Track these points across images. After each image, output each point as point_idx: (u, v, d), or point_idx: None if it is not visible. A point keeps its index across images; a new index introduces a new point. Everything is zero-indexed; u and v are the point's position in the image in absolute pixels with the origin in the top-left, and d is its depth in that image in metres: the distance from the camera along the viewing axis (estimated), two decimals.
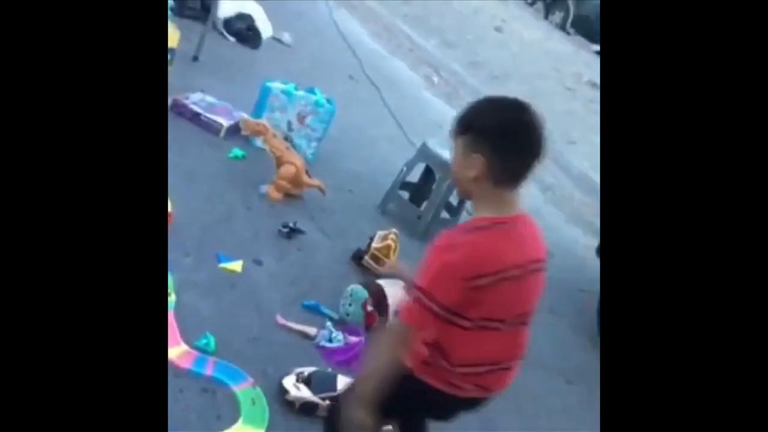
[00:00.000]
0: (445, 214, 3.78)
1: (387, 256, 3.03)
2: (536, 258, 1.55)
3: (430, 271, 1.45)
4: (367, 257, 3.00)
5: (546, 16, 14.26)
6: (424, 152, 3.68)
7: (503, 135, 1.48)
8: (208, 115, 3.48)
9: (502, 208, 1.50)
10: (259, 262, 2.69)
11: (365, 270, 3.00)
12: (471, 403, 1.65)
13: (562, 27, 13.46)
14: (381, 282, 2.68)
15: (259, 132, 3.17)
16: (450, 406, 1.66)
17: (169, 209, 2.62)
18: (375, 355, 1.61)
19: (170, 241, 2.51)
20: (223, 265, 2.55)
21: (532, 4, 16.90)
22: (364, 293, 2.59)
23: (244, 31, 5.04)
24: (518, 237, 1.52)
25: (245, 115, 3.35)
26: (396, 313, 1.64)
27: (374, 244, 3.03)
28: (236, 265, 2.58)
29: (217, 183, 3.09)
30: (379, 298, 2.62)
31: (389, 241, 3.05)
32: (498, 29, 11.01)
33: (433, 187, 3.67)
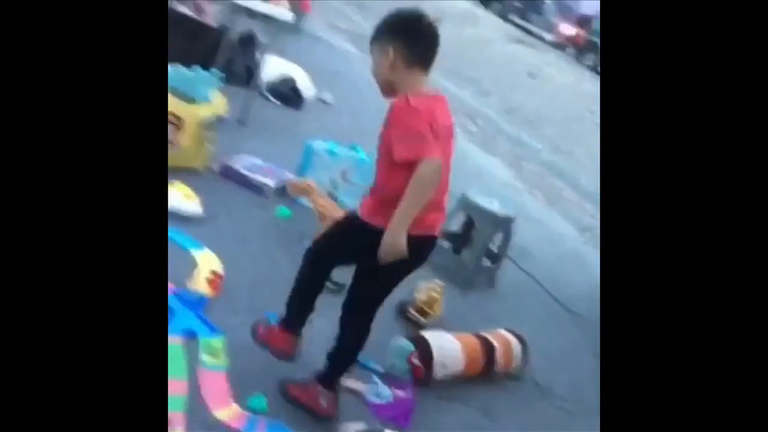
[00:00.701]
0: (486, 262, 3.74)
1: (432, 307, 3.00)
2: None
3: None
4: (412, 310, 2.97)
5: (578, 59, 14.25)
6: (463, 202, 3.67)
7: (406, 29, 1.93)
8: (255, 176, 3.54)
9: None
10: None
11: (410, 322, 2.97)
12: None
13: (594, 69, 13.42)
14: (426, 334, 2.65)
15: (305, 191, 3.20)
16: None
17: (220, 270, 2.66)
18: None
19: (220, 302, 2.55)
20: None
21: (564, 49, 16.94)
22: (409, 346, 2.56)
23: (287, 93, 5.15)
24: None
25: (291, 177, 3.40)
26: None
27: (419, 296, 3.00)
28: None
29: (265, 242, 3.12)
30: (424, 351, 2.58)
31: (433, 293, 3.02)
32: (531, 75, 11.04)
33: (474, 235, 3.64)
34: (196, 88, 3.28)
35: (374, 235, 1.91)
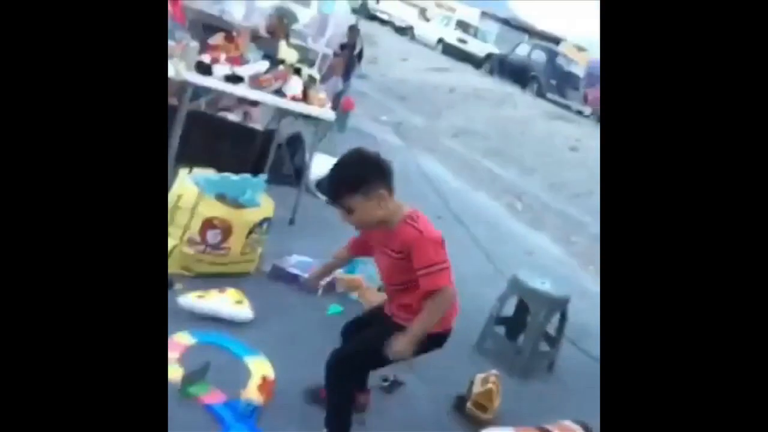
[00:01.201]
0: (544, 346, 3.56)
1: (490, 400, 2.83)
2: None
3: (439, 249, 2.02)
4: (469, 404, 2.81)
5: None
6: (515, 284, 3.53)
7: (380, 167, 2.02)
8: (305, 275, 3.49)
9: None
10: (362, 422, 2.55)
11: (470, 418, 2.80)
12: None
13: None
14: (485, 429, 2.48)
15: (354, 287, 3.13)
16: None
17: (271, 376, 2.57)
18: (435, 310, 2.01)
19: (273, 409, 2.45)
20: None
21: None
22: None
23: None
24: None
25: (340, 273, 3.34)
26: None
27: (475, 390, 2.85)
28: None
29: (317, 343, 3.01)
30: None
31: (490, 385, 2.85)
32: (573, 149, 10.94)
33: (528, 319, 3.48)
34: (244, 193, 3.30)
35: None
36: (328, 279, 3.45)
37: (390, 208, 2.03)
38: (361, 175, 1.99)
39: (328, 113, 4.29)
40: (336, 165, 2.06)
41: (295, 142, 5.30)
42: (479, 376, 2.92)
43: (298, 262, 3.61)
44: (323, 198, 5.17)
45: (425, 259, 1.97)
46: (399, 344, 1.98)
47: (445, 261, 2.02)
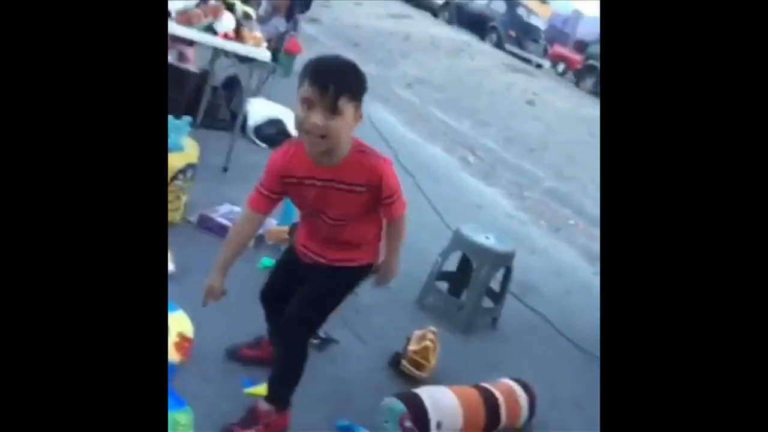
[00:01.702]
0: (488, 302, 3.48)
1: (426, 358, 2.73)
2: None
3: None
4: (405, 362, 2.71)
5: (577, 84, 14.09)
6: (458, 239, 3.42)
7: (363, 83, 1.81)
8: None
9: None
10: None
11: (405, 376, 2.70)
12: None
13: (594, 93, 13.24)
14: (419, 391, 2.38)
15: (284, 240, 2.97)
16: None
17: (189, 333, 2.41)
18: None
19: (191, 370, 2.30)
20: (248, 390, 2.30)
21: (563, 74, 16.85)
22: (400, 407, 2.29)
23: (274, 135, 4.96)
24: None
25: (271, 225, 3.17)
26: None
27: (411, 347, 2.75)
28: (262, 389, 2.32)
29: (244, 298, 2.85)
30: (417, 411, 2.31)
31: (427, 342, 2.76)
32: (530, 102, 10.86)
33: (472, 274, 3.38)
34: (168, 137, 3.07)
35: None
36: (259, 232, 3.28)
37: (352, 129, 1.84)
38: (364, 85, 1.81)
39: (263, 54, 4.05)
40: (343, 62, 1.82)
41: (232, 86, 5.04)
42: (416, 333, 2.82)
43: (228, 212, 3.42)
44: (262, 145, 4.96)
45: (393, 186, 1.96)
46: (389, 271, 2.20)
47: (398, 186, 2.01)
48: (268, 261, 3.20)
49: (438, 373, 2.82)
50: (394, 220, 2.06)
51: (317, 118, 1.72)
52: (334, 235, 2.04)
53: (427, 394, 2.36)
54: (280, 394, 2.12)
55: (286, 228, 2.98)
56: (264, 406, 2.10)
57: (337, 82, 1.71)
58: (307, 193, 1.95)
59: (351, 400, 2.46)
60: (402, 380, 2.69)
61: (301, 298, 2.10)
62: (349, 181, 1.90)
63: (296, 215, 3.36)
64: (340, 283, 2.12)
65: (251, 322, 2.67)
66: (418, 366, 2.71)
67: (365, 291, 3.23)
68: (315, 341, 2.68)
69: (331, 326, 2.82)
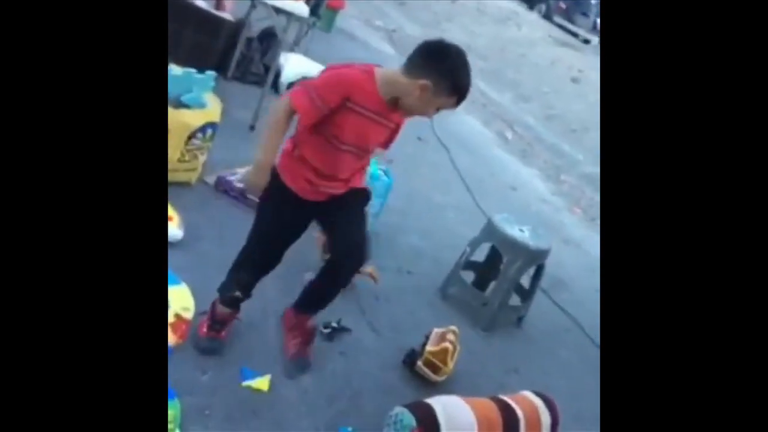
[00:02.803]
0: (515, 300, 3.20)
1: (444, 361, 2.49)
2: None
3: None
4: (420, 363, 2.47)
5: None
6: (489, 230, 3.14)
7: None
8: None
9: None
10: (292, 376, 2.20)
11: (419, 377, 2.46)
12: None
13: None
14: (433, 402, 2.13)
15: None
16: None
17: (188, 313, 2.19)
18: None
19: (186, 355, 2.08)
20: (246, 383, 2.07)
21: None
22: (410, 420, 2.04)
23: None
24: None
25: None
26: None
27: (429, 347, 2.50)
28: (263, 382, 2.10)
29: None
30: (429, 423, 2.07)
31: (446, 344, 2.50)
32: (575, 80, 10.37)
33: (501, 269, 3.10)
34: (189, 90, 2.81)
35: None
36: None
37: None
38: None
39: (301, 8, 3.74)
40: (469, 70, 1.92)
41: (268, 38, 4.73)
42: (436, 331, 2.57)
43: None
44: None
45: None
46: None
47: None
48: None
49: (455, 372, 2.58)
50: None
51: (445, 107, 1.90)
52: (356, 165, 2.05)
53: (441, 406, 2.10)
54: (319, 308, 2.25)
55: None
56: (311, 322, 2.26)
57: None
58: (357, 124, 1.91)
59: (358, 401, 2.22)
60: (415, 382, 2.45)
61: (348, 229, 2.05)
62: (398, 121, 2.00)
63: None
64: (363, 203, 2.14)
65: (258, 297, 2.44)
66: (435, 369, 2.47)
67: (387, 277, 2.99)
68: (326, 330, 2.45)
69: (345, 313, 2.59)
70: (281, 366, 2.21)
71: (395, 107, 1.92)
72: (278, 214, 2.06)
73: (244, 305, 2.20)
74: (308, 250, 2.82)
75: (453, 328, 2.60)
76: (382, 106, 1.90)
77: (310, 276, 2.68)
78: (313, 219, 2.13)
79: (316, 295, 2.23)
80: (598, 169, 7.05)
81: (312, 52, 5.47)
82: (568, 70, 10.85)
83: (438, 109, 1.91)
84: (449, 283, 3.16)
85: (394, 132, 2.04)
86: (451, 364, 2.50)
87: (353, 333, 2.54)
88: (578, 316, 3.59)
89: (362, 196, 2.15)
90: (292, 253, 2.84)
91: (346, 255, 2.04)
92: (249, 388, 2.07)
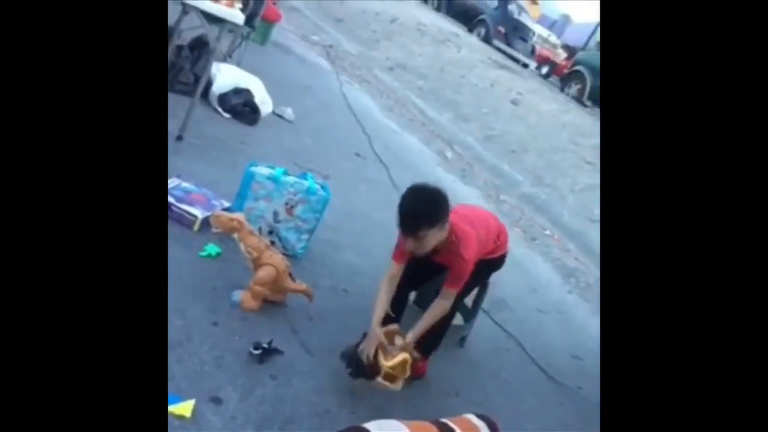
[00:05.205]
0: (458, 320, 3.14)
1: (404, 371, 2.42)
2: None
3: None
4: (379, 379, 2.38)
5: (562, 89, 13.86)
6: None
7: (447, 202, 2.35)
8: (181, 205, 2.91)
9: None
10: (217, 401, 2.05)
11: (356, 398, 2.36)
12: None
13: (578, 99, 13.02)
14: (368, 426, 2.03)
15: (233, 228, 2.59)
16: None
17: None
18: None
19: None
20: (171, 407, 1.93)
21: (547, 77, 16.61)
22: None
23: (239, 106, 4.55)
24: None
25: (218, 210, 2.79)
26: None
27: (386, 363, 2.40)
28: (185, 408, 1.96)
29: (180, 291, 2.47)
30: None
31: (403, 355, 2.42)
32: (514, 102, 10.54)
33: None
34: None
35: None
36: (206, 214, 2.90)
37: (446, 231, 2.36)
38: (439, 213, 2.28)
39: (236, 16, 3.65)
40: (413, 202, 2.29)
41: (199, 47, 4.60)
42: (398, 342, 2.47)
43: (176, 187, 3.02)
44: (226, 115, 4.55)
45: (460, 275, 2.44)
46: (415, 335, 2.48)
47: (467, 274, 2.45)
48: (213, 248, 2.82)
49: (395, 398, 2.49)
50: (445, 291, 2.46)
51: (410, 245, 2.32)
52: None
53: (379, 430, 2.01)
54: (431, 348, 2.75)
55: (236, 216, 2.60)
56: (416, 354, 2.53)
57: (414, 224, 2.26)
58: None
59: (290, 428, 2.10)
60: (351, 401, 2.35)
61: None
62: (439, 261, 2.49)
63: (250, 201, 3.00)
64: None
65: (182, 317, 2.30)
66: (393, 379, 2.40)
67: (322, 295, 2.89)
68: (256, 352, 2.33)
69: (277, 333, 2.47)
70: None
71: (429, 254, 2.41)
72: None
73: None
74: (236, 270, 2.70)
75: (394, 327, 2.51)
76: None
77: (237, 296, 2.57)
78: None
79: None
80: (537, 190, 7.16)
81: (245, 64, 5.37)
82: (507, 92, 11.03)
83: (405, 237, 2.33)
84: None
85: (442, 268, 2.54)
86: (406, 372, 2.44)
87: (285, 355, 2.42)
88: (519, 336, 3.57)
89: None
90: (219, 272, 2.72)
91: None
92: (170, 414, 1.92)
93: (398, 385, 2.47)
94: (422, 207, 2.29)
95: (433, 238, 2.30)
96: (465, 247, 2.39)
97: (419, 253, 2.36)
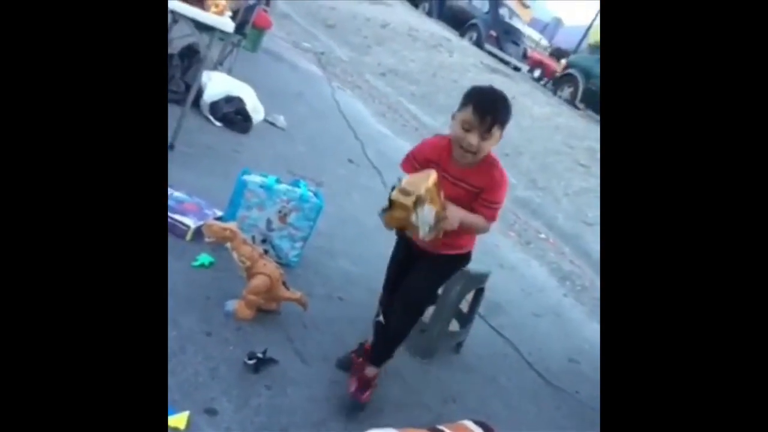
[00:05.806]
0: (454, 325, 3.14)
1: (435, 204, 2.02)
2: None
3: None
4: (401, 196, 2.00)
5: (555, 92, 13.90)
6: None
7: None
8: (174, 215, 2.91)
9: None
10: (212, 412, 2.04)
11: (348, 409, 2.35)
12: None
13: (571, 102, 13.07)
14: None
15: (226, 238, 2.58)
16: None
17: None
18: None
19: None
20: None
21: (538, 80, 16.66)
22: None
23: (231, 114, 4.54)
24: None
25: (210, 219, 2.78)
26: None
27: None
28: (179, 420, 1.94)
29: (173, 301, 2.47)
30: None
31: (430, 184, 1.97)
32: None
33: (440, 293, 3.04)
34: None
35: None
36: (198, 224, 2.89)
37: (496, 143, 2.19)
38: (510, 114, 2.16)
39: (224, 23, 3.64)
40: (493, 96, 2.15)
41: (190, 56, 4.60)
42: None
43: (169, 196, 3.01)
44: (217, 124, 4.54)
45: (498, 196, 2.22)
46: (451, 216, 2.10)
47: (504, 194, 2.25)
48: (206, 258, 2.81)
49: (391, 404, 2.49)
50: (485, 219, 2.24)
51: (473, 139, 2.09)
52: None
53: None
54: (383, 358, 2.45)
55: (229, 225, 2.59)
56: (371, 371, 2.41)
57: (494, 112, 2.09)
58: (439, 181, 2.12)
59: None
60: (345, 412, 2.34)
61: (411, 284, 2.34)
62: (472, 182, 2.20)
63: (242, 209, 2.99)
64: (444, 269, 2.43)
65: (176, 328, 2.29)
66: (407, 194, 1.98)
67: (317, 303, 2.88)
68: (250, 362, 2.32)
69: (271, 342, 2.46)
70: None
71: (468, 164, 2.18)
72: (399, 253, 2.52)
73: None
74: (230, 280, 2.69)
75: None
76: (449, 163, 2.20)
77: (231, 305, 2.56)
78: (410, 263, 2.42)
79: (379, 344, 2.48)
80: (531, 193, 7.17)
81: (236, 72, 5.37)
82: None
83: (466, 130, 2.09)
84: None
85: (471, 193, 2.21)
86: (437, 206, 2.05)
87: (280, 364, 2.41)
88: (516, 341, 3.57)
89: (449, 260, 2.40)
90: (213, 282, 2.71)
91: (400, 307, 2.35)
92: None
93: (427, 214, 2.01)
94: (501, 101, 2.14)
95: (493, 141, 2.13)
96: (502, 173, 2.22)
97: (466, 159, 2.13)
